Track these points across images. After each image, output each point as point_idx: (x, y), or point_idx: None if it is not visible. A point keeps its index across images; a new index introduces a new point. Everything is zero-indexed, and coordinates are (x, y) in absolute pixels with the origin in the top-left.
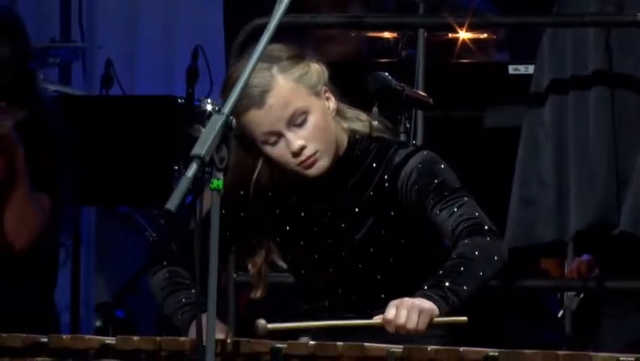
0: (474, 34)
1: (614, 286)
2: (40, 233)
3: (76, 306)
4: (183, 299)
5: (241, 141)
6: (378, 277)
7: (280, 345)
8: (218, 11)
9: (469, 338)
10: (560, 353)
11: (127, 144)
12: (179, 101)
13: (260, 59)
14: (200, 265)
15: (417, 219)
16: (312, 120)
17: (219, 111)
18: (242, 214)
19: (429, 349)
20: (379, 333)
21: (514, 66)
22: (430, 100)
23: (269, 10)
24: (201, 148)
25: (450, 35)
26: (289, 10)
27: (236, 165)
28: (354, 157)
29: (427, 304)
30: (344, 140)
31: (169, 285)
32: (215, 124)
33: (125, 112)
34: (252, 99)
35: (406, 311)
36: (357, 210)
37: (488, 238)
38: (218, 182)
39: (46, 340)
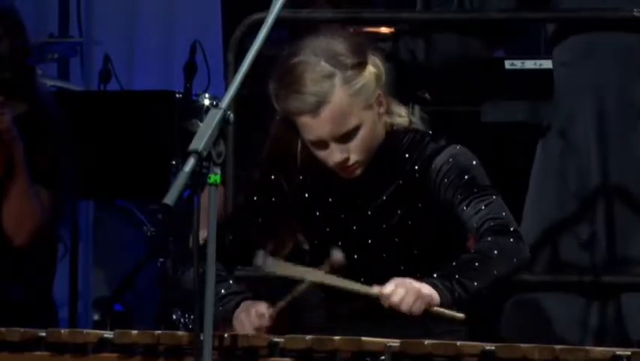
0: None
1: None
2: (40, 227)
3: (74, 300)
4: (222, 290)
5: (284, 118)
6: (402, 268)
7: (278, 339)
8: (216, 6)
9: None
10: (557, 347)
11: (125, 139)
12: (177, 96)
13: (321, 56)
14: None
15: (444, 213)
16: (360, 134)
17: (217, 106)
18: (273, 199)
19: (426, 343)
20: (380, 328)
21: (511, 61)
22: (427, 95)
23: (266, 6)
24: (199, 143)
25: None
26: (286, 5)
27: (275, 139)
28: (388, 149)
29: (427, 290)
30: (383, 134)
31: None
32: (213, 119)
33: (123, 107)
34: (306, 106)
35: (404, 292)
36: (385, 198)
37: (511, 240)
38: (215, 177)
39: (44, 334)
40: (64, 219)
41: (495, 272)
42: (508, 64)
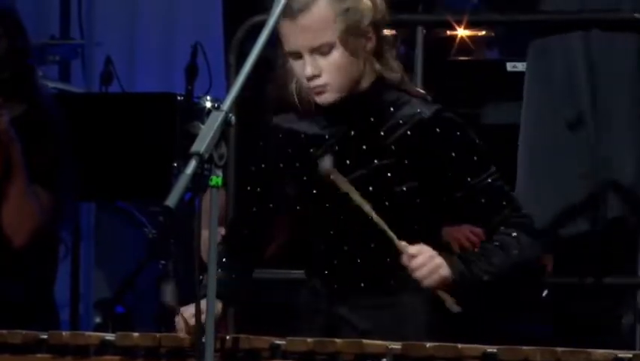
0: (472, 31)
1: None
2: (39, 228)
3: (75, 302)
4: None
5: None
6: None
7: (279, 342)
8: (217, 9)
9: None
10: (559, 349)
11: (126, 141)
12: (179, 98)
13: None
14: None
15: (431, 176)
16: (335, 55)
17: (218, 108)
18: (263, 165)
19: (427, 346)
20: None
21: (512, 63)
22: (429, 97)
23: (267, 8)
24: (200, 145)
25: (448, 33)
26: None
27: (276, 82)
28: (372, 99)
29: (444, 271)
30: (367, 80)
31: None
32: (215, 121)
33: (124, 109)
34: (289, 10)
35: (423, 262)
36: (364, 147)
37: (531, 238)
38: (217, 179)
39: (45, 336)
40: (66, 220)
41: (510, 270)
42: (509, 66)
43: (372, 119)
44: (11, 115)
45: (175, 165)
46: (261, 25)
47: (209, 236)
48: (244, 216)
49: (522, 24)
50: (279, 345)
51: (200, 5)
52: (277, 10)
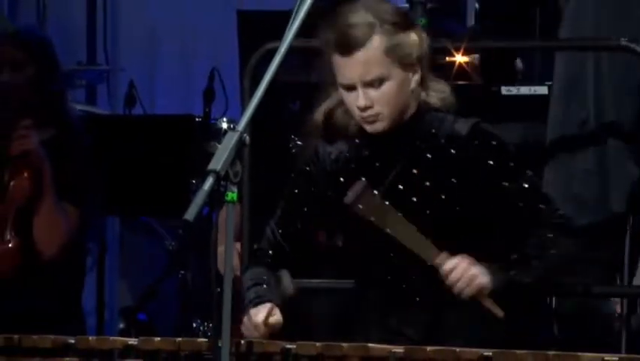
0: (469, 57)
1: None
2: (68, 242)
3: (101, 310)
4: (252, 295)
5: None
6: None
7: (290, 346)
8: (233, 36)
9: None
10: (550, 353)
11: (148, 160)
12: (197, 119)
13: (367, 10)
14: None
15: (479, 189)
16: (386, 87)
17: (234, 129)
18: (312, 189)
19: (428, 349)
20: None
21: (507, 87)
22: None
23: (280, 35)
24: (217, 163)
25: (447, 59)
26: (298, 34)
27: (324, 106)
28: (416, 125)
29: (483, 279)
30: (412, 108)
31: (252, 279)
32: (230, 141)
33: (146, 130)
34: (342, 45)
35: (459, 276)
36: (415, 172)
37: (568, 241)
38: (232, 195)
39: (73, 341)
40: (92, 234)
41: (551, 271)
42: (504, 90)
43: (418, 143)
44: (42, 137)
45: (193, 181)
46: (273, 52)
47: (225, 248)
48: (286, 234)
49: (516, 50)
50: (289, 349)
51: (217, 33)
52: (288, 37)
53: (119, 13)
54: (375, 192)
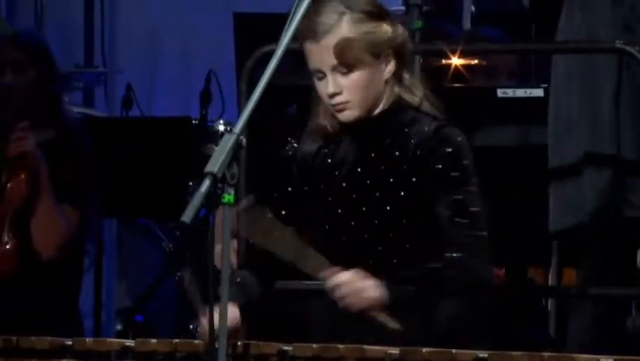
0: (465, 60)
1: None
2: (66, 243)
3: (98, 311)
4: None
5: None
6: (379, 248)
7: (286, 347)
8: (230, 40)
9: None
10: (545, 354)
11: (145, 162)
12: (194, 122)
13: (329, 7)
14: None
15: (428, 203)
16: (356, 75)
17: (231, 131)
18: (289, 189)
19: (424, 351)
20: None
21: (502, 90)
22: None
23: (276, 38)
24: (214, 165)
25: (443, 61)
26: (295, 38)
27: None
28: (392, 119)
29: (373, 293)
30: (387, 102)
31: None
32: (227, 143)
33: (143, 132)
34: (312, 32)
35: (345, 292)
36: (383, 168)
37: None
38: (229, 197)
39: (70, 343)
40: (89, 235)
41: (446, 300)
42: (500, 92)
43: (388, 140)
44: (41, 139)
45: (190, 183)
46: (269, 55)
47: (222, 248)
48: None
49: (512, 52)
50: (286, 351)
51: (215, 36)
52: (284, 40)
53: (116, 16)
54: (263, 209)
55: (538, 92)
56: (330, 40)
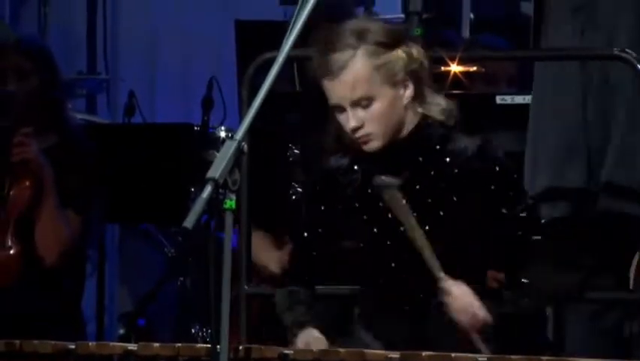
0: (464, 67)
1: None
2: (69, 248)
3: (101, 315)
4: (290, 319)
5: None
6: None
7: (288, 351)
8: (231, 46)
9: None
10: (544, 358)
11: (148, 168)
12: (196, 128)
13: (351, 32)
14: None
15: (475, 210)
16: (375, 107)
17: (232, 137)
18: (322, 208)
19: (423, 354)
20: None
21: (501, 97)
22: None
23: (277, 45)
24: (215, 171)
25: (442, 68)
26: (295, 45)
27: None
28: (419, 139)
29: (484, 314)
30: (412, 122)
31: (288, 302)
32: (229, 149)
33: (146, 138)
34: (328, 69)
35: (463, 306)
36: (418, 187)
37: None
38: (231, 202)
39: (73, 346)
40: (92, 240)
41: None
42: (499, 99)
43: (420, 159)
44: (44, 145)
45: (192, 189)
46: (270, 62)
47: (224, 256)
48: (309, 260)
49: (510, 60)
50: (287, 354)
51: (216, 43)
52: (286, 47)
53: (119, 24)
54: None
55: None
56: (347, 76)
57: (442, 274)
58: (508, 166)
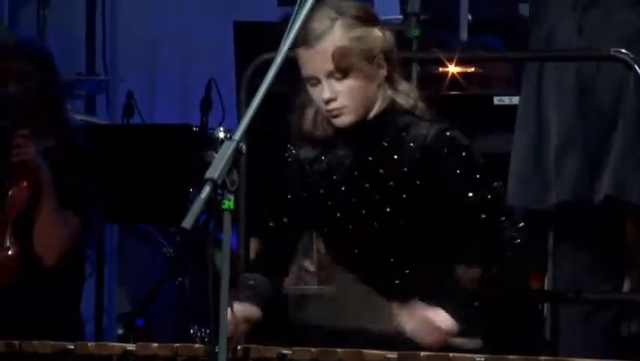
0: (462, 68)
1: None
2: (68, 249)
3: (100, 316)
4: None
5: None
6: (385, 242)
7: (286, 351)
8: (230, 48)
9: None
10: (542, 358)
11: (146, 168)
12: (194, 129)
13: (330, 7)
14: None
15: (438, 200)
16: (351, 80)
17: (230, 138)
18: (289, 196)
19: (422, 355)
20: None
21: (499, 97)
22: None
23: (275, 47)
24: (214, 172)
25: (440, 69)
26: (294, 46)
27: (297, 108)
28: (384, 123)
29: (448, 324)
30: (380, 105)
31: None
32: (227, 150)
33: (144, 139)
34: (305, 38)
35: (424, 333)
36: (381, 171)
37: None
38: (229, 203)
39: (72, 347)
40: (91, 241)
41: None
42: (496, 100)
43: (385, 144)
44: (44, 146)
45: (191, 190)
46: (269, 63)
47: (222, 256)
48: (272, 246)
49: (508, 61)
50: (285, 354)
51: (215, 45)
52: (284, 49)
53: (117, 25)
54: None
55: None
56: (324, 46)
57: (393, 306)
58: (472, 150)
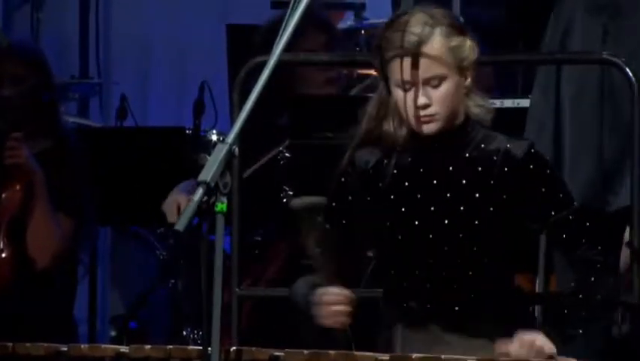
0: None
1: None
2: (61, 252)
3: (93, 318)
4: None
5: (380, 97)
6: (466, 253)
7: (278, 353)
8: (223, 51)
9: None
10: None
11: (139, 171)
12: (187, 132)
13: (425, 14)
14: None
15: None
16: (445, 87)
17: (223, 141)
18: (350, 198)
19: (413, 356)
20: None
21: (491, 100)
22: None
23: (268, 50)
24: (207, 175)
25: None
26: (286, 49)
27: (370, 116)
28: (464, 134)
29: (549, 347)
30: (462, 115)
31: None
32: (220, 153)
33: (138, 142)
34: (403, 43)
35: (526, 354)
36: (464, 182)
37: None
38: (222, 205)
39: (65, 349)
40: (84, 243)
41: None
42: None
43: (467, 155)
44: (38, 148)
45: None
46: (261, 66)
47: (215, 261)
48: (332, 251)
49: (498, 64)
50: (278, 356)
51: (208, 48)
52: (277, 51)
53: (111, 28)
54: None
55: (526, 103)
56: (425, 53)
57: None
58: (555, 170)
